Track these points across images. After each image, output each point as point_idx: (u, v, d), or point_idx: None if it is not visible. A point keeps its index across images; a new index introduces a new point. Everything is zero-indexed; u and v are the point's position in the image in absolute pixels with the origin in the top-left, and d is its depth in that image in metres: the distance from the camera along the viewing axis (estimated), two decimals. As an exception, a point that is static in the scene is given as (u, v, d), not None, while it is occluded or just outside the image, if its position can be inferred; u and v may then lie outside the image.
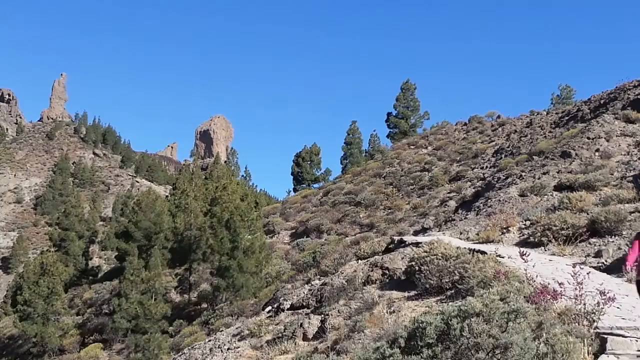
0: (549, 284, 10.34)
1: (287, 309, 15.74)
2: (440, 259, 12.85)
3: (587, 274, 9.00)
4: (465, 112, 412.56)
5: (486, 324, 6.57)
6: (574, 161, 24.65)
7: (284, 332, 13.35)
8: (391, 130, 69.42)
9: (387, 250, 17.04)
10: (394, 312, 11.66)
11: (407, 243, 16.52)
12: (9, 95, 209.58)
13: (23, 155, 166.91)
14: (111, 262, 68.57)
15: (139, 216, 41.37)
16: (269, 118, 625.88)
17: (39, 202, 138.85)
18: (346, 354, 10.16)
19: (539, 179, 23.53)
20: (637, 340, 7.43)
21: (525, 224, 18.10)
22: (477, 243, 17.04)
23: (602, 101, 34.20)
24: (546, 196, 21.14)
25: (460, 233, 20.20)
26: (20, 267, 78.46)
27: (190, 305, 36.88)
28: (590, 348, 7.15)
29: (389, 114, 70.15)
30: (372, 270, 14.94)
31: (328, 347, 11.35)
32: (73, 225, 59.83)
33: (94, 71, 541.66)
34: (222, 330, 19.61)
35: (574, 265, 11.28)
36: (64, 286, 42.82)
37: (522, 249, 12.68)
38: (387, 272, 14.63)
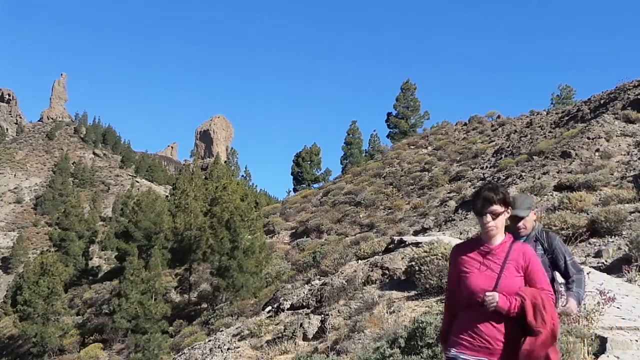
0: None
1: (287, 309, 15.72)
2: (440, 259, 12.83)
3: (587, 274, 8.97)
4: (465, 112, 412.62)
5: (486, 324, 6.56)
6: (574, 161, 24.65)
7: (284, 332, 13.33)
8: (391, 130, 69.43)
9: (387, 250, 17.01)
10: (394, 312, 11.65)
11: (407, 243, 16.49)
12: (9, 95, 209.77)
13: (23, 155, 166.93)
14: (111, 262, 68.54)
15: (139, 216, 41.43)
16: (269, 118, 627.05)
17: (39, 202, 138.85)
18: (346, 354, 10.15)
19: (539, 179, 23.53)
20: (637, 341, 7.42)
21: (525, 224, 18.05)
22: (477, 243, 16.99)
23: (602, 101, 34.19)
24: (546, 196, 21.13)
25: (460, 233, 20.17)
26: (20, 267, 78.47)
27: (190, 305, 36.88)
28: (590, 348, 7.13)
29: (389, 114, 70.15)
30: (372, 270, 14.92)
31: (328, 347, 11.34)
32: (73, 225, 59.80)
33: (94, 71, 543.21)
34: (222, 330, 19.59)
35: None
36: (64, 286, 42.80)
37: (522, 249, 12.68)
38: (387, 272, 14.61)
